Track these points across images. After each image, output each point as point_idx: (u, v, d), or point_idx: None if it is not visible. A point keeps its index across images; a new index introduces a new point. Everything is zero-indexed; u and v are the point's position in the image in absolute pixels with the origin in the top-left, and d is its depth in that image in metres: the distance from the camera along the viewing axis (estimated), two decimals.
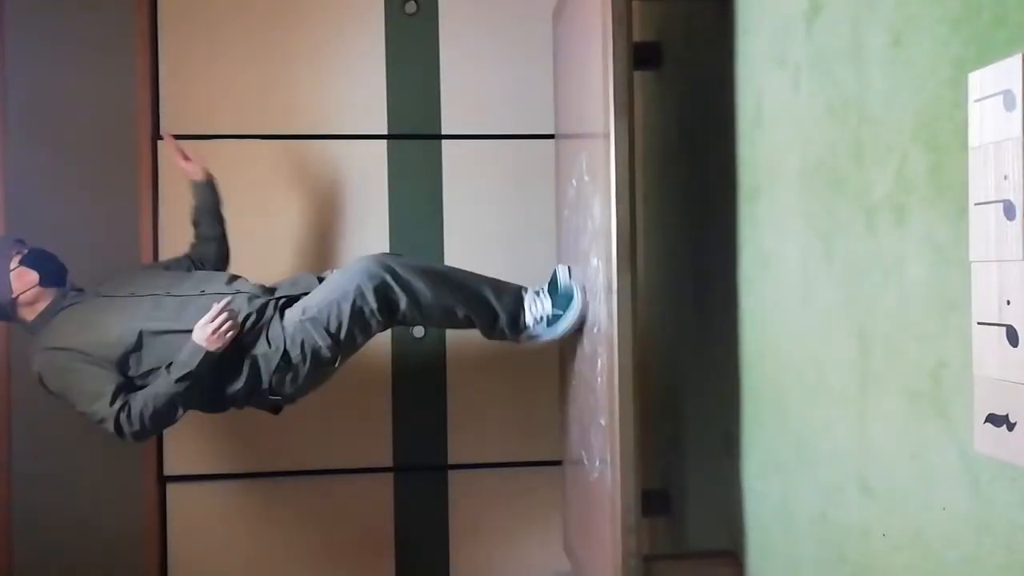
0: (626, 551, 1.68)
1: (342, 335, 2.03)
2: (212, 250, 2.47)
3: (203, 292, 2.14)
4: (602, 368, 1.82)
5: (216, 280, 2.21)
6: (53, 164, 2.72)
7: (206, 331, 1.97)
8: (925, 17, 1.11)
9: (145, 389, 2.02)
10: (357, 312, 2.02)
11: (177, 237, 2.80)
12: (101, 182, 2.74)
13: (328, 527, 2.86)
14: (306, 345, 2.04)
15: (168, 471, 2.77)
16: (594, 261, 1.91)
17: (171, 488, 2.79)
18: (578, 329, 2.12)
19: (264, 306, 2.11)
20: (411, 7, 2.88)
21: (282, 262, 2.82)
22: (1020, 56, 0.90)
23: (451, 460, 2.90)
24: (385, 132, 2.87)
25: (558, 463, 2.72)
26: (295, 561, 2.85)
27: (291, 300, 2.13)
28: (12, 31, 2.71)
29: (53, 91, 2.73)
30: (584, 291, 2.02)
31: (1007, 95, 0.92)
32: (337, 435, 2.83)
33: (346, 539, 2.87)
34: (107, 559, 2.75)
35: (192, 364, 1.98)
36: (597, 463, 1.92)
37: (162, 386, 2.00)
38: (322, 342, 2.03)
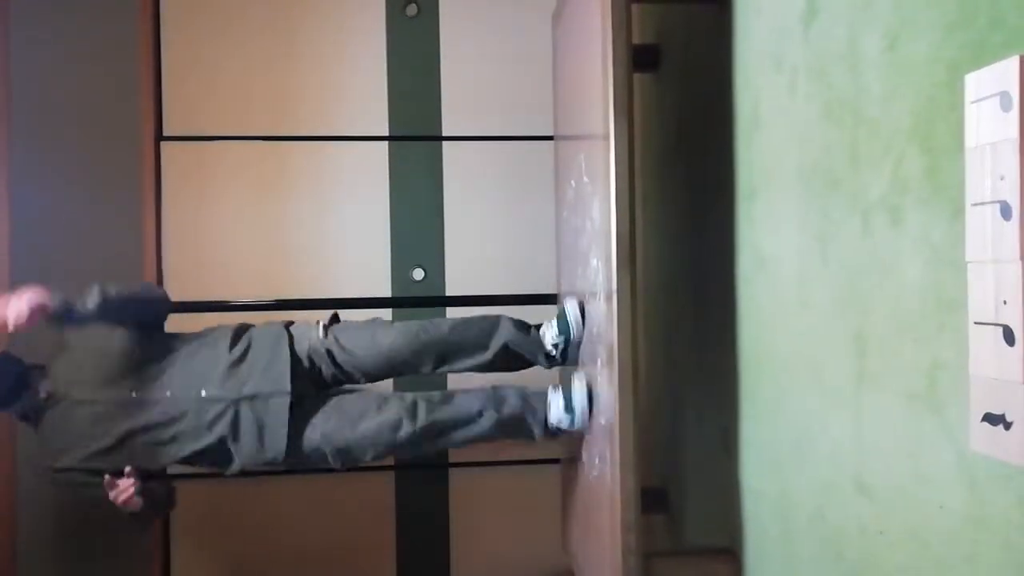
0: (625, 549, 1.68)
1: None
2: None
3: (169, 394, 2.01)
4: (601, 367, 1.83)
5: (183, 375, 2.04)
6: (57, 165, 2.73)
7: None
8: (921, 20, 1.12)
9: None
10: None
11: (179, 237, 2.81)
12: (104, 183, 2.75)
13: (329, 526, 2.87)
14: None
15: (169, 470, 2.77)
16: (594, 262, 1.92)
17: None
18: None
19: (229, 410, 2.01)
20: (412, 9, 2.88)
21: (282, 262, 2.82)
22: (1016, 58, 0.91)
23: (451, 459, 2.91)
24: (386, 133, 2.88)
25: (558, 462, 2.73)
26: (296, 559, 2.85)
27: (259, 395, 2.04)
28: (16, 34, 2.72)
29: (57, 92, 2.74)
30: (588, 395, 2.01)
31: (1003, 96, 0.93)
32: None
33: (347, 538, 2.87)
34: (109, 558, 2.75)
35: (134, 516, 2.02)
36: (597, 461, 1.92)
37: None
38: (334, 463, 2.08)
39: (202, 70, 2.80)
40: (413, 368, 2.14)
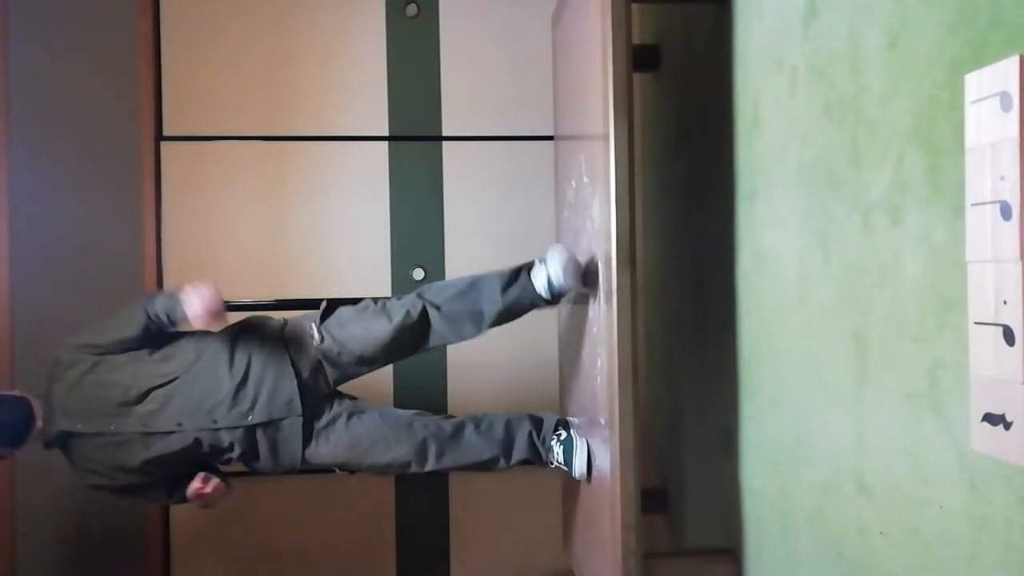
0: (625, 549, 1.68)
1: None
2: None
3: (180, 426, 2.03)
4: (602, 367, 1.83)
5: (189, 405, 2.04)
6: (57, 165, 2.73)
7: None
8: (922, 19, 1.12)
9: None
10: None
11: (179, 237, 2.81)
12: (104, 183, 2.75)
13: (329, 526, 2.87)
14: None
15: None
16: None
17: None
18: (578, 329, 2.13)
19: (242, 432, 2.06)
20: (412, 9, 2.89)
21: (282, 262, 2.82)
22: (1017, 58, 0.91)
23: None
24: (386, 133, 2.88)
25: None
26: (296, 559, 2.85)
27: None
28: (16, 34, 2.72)
29: (57, 92, 2.74)
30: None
31: (1004, 96, 0.92)
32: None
33: (347, 538, 2.87)
34: (110, 558, 2.75)
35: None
36: (597, 461, 1.93)
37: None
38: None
39: (202, 70, 2.80)
40: (412, 351, 2.15)
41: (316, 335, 2.08)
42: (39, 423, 1.99)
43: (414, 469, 2.10)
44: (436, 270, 2.90)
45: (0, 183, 2.67)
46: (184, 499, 2.14)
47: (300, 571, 2.86)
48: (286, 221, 2.84)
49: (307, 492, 2.85)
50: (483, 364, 2.88)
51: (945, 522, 1.09)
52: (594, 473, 1.95)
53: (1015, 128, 0.91)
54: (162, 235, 2.78)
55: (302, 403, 2.05)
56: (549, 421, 2.16)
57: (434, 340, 2.13)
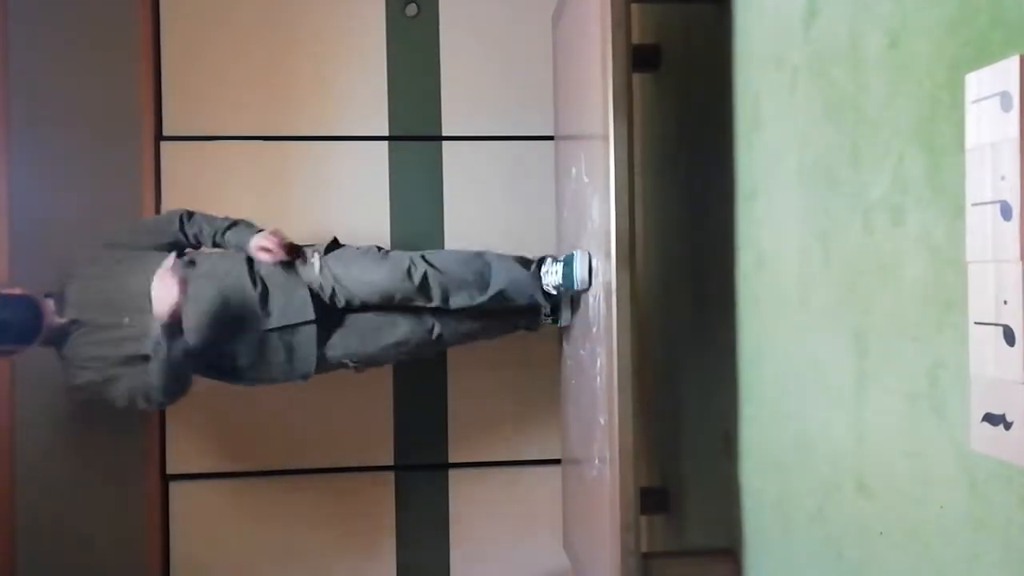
0: (625, 549, 1.68)
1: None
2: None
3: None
4: (602, 367, 1.83)
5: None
6: (57, 165, 2.73)
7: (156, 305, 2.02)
8: (922, 19, 1.12)
9: (149, 370, 2.10)
10: None
11: None
12: (104, 183, 2.75)
13: (329, 525, 2.87)
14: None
15: (171, 470, 2.77)
16: (594, 262, 1.92)
17: (174, 486, 2.80)
18: (578, 329, 2.13)
19: (254, 338, 2.20)
20: (412, 9, 2.88)
21: None
22: (1017, 57, 0.91)
23: (451, 459, 2.91)
24: (386, 133, 2.88)
25: (558, 462, 2.73)
26: (296, 559, 2.85)
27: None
28: (15, 34, 2.72)
29: (56, 92, 2.73)
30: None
31: (1004, 96, 0.92)
32: (338, 434, 2.84)
33: (347, 537, 2.87)
34: (111, 557, 2.75)
35: (159, 336, 2.04)
36: (596, 461, 1.92)
37: (153, 363, 2.08)
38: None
39: (202, 70, 2.80)
40: (405, 305, 2.25)
41: (317, 265, 2.21)
42: (49, 320, 2.08)
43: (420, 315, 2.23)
44: None
45: (0, 183, 2.67)
46: (150, 394, 2.12)
47: (301, 569, 2.85)
48: (286, 221, 2.83)
49: (307, 492, 2.85)
50: (483, 364, 2.88)
51: (945, 522, 1.09)
52: (593, 278, 1.96)
53: (1015, 128, 0.91)
54: None
55: (314, 310, 2.17)
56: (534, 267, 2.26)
57: (430, 297, 2.22)
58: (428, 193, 2.89)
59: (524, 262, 2.25)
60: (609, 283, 1.74)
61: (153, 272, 2.08)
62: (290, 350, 2.19)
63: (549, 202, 2.82)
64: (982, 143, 0.96)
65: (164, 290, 2.00)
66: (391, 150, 2.88)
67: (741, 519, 1.82)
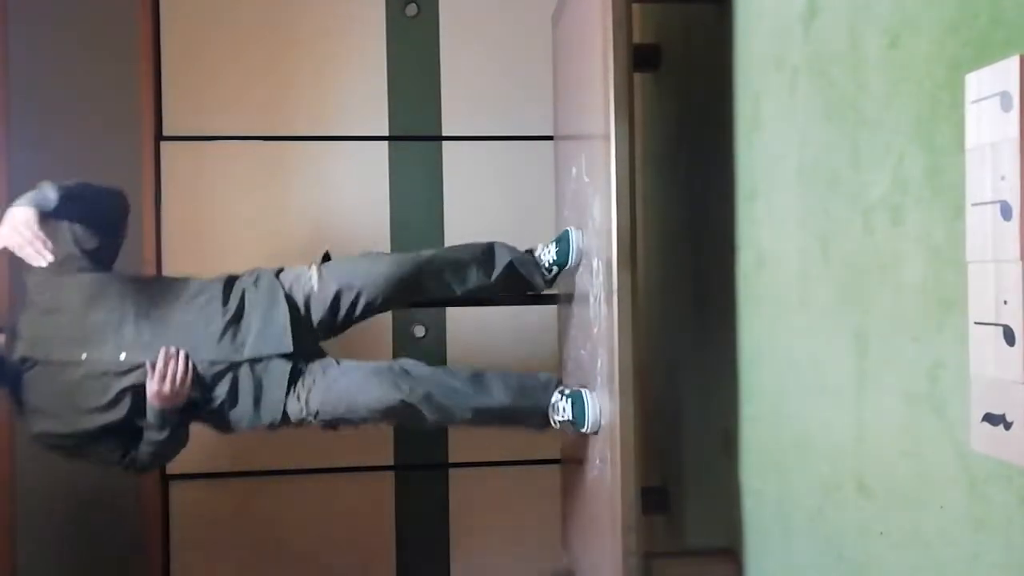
0: (626, 549, 1.68)
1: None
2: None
3: (122, 358, 1.90)
4: (602, 368, 1.83)
5: (178, 338, 1.92)
6: (56, 165, 2.73)
7: (152, 391, 1.85)
8: (922, 19, 1.12)
9: (142, 443, 1.95)
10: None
11: (179, 238, 2.81)
12: (104, 182, 2.74)
13: (329, 525, 2.87)
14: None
15: (171, 470, 2.77)
16: (594, 262, 1.92)
17: (174, 486, 2.80)
18: (579, 329, 2.13)
19: (228, 372, 1.94)
20: (412, 9, 2.88)
21: (282, 263, 2.82)
22: (1017, 57, 0.90)
23: (451, 459, 2.91)
24: (386, 133, 2.88)
25: (558, 461, 2.73)
26: (296, 559, 2.85)
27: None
28: (15, 34, 2.72)
29: (56, 92, 2.73)
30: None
31: (1004, 96, 0.92)
32: (338, 434, 2.83)
33: (347, 537, 2.87)
34: (110, 557, 2.75)
35: (157, 422, 1.90)
36: (597, 461, 1.92)
37: (149, 441, 1.94)
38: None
39: (202, 70, 2.80)
40: (419, 291, 2.08)
41: (315, 274, 2.03)
42: (6, 356, 1.86)
43: (395, 403, 1.94)
44: None
45: (0, 183, 2.67)
46: (135, 465, 1.97)
47: (300, 571, 2.85)
48: (286, 221, 2.83)
49: (307, 492, 2.85)
50: (483, 364, 2.87)
51: (945, 522, 1.09)
52: (601, 426, 1.88)
53: (1015, 128, 0.91)
54: (162, 235, 2.78)
55: (294, 339, 1.94)
56: (546, 378, 2.07)
57: (437, 287, 2.09)
58: (428, 193, 2.89)
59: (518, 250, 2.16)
60: (610, 283, 1.74)
61: (113, 301, 1.90)
62: (259, 391, 1.95)
63: (549, 202, 2.82)
64: (982, 143, 0.96)
65: (165, 387, 1.84)
66: (391, 150, 2.88)
67: (741, 519, 1.82)
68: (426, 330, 2.87)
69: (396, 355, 2.84)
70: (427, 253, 2.11)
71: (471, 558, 2.92)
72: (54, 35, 2.73)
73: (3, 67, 2.70)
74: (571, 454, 2.35)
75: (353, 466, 2.86)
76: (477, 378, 2.02)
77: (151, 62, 2.77)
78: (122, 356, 1.88)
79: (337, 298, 2.01)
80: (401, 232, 2.88)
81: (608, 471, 1.78)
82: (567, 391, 2.00)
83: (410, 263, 2.06)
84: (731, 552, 1.86)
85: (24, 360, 1.87)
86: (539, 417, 2.02)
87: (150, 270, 2.75)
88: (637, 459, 1.69)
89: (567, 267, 2.11)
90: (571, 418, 1.94)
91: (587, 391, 1.96)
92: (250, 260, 2.78)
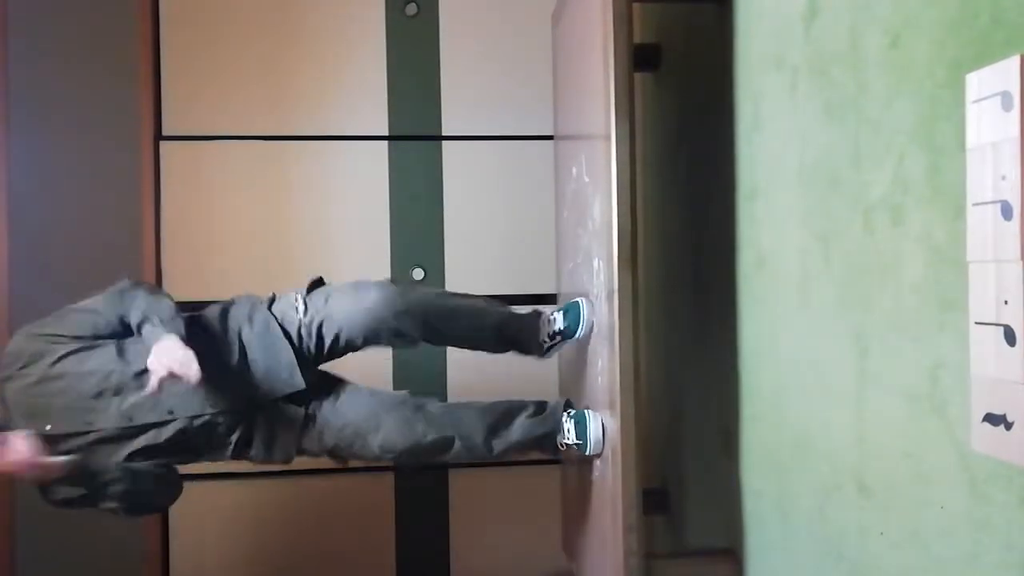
0: (627, 549, 1.68)
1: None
2: None
3: (171, 414, 1.86)
4: (602, 367, 1.83)
5: (182, 393, 1.85)
6: (56, 165, 2.73)
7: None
8: (923, 18, 1.12)
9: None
10: None
11: (178, 238, 2.80)
12: (104, 182, 2.75)
13: (329, 526, 2.86)
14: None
15: None
16: (595, 262, 1.92)
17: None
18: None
19: (240, 418, 1.91)
20: (411, 9, 2.88)
21: (282, 263, 2.82)
22: (1018, 57, 0.90)
23: None
24: (386, 133, 2.88)
25: (558, 462, 2.73)
26: (296, 560, 2.85)
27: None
28: (15, 33, 2.72)
29: (56, 93, 2.73)
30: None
31: (1005, 96, 0.92)
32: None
33: (347, 538, 2.87)
34: (110, 557, 2.75)
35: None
36: (597, 462, 1.92)
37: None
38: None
39: (202, 70, 2.80)
40: (401, 334, 1.98)
41: (301, 309, 1.96)
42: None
43: (405, 448, 1.94)
44: (436, 270, 2.89)
45: (0, 183, 2.67)
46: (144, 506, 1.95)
47: (299, 571, 2.85)
48: (286, 221, 2.83)
49: (307, 492, 2.85)
50: (483, 363, 2.87)
51: (946, 522, 1.09)
52: (605, 448, 1.88)
53: (1016, 128, 0.91)
54: (161, 235, 2.78)
55: (302, 374, 1.91)
56: (554, 403, 2.07)
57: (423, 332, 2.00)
58: (428, 193, 2.89)
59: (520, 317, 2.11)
60: (610, 283, 1.74)
61: (105, 363, 1.83)
62: (272, 435, 1.93)
63: (549, 202, 2.82)
64: (983, 143, 0.96)
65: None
66: (391, 150, 2.88)
67: (741, 519, 1.81)
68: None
69: (394, 359, 2.84)
70: (421, 294, 2.02)
71: (471, 558, 2.92)
72: (54, 35, 2.73)
73: (3, 67, 2.70)
74: (571, 455, 2.35)
75: (353, 466, 2.85)
76: (492, 410, 2.03)
77: (151, 62, 2.77)
78: (130, 420, 1.84)
79: (322, 331, 1.95)
80: (401, 232, 2.88)
81: (609, 471, 1.77)
82: (573, 412, 2.00)
83: (394, 307, 1.94)
84: (731, 552, 1.86)
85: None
86: (551, 444, 2.03)
87: (149, 270, 2.75)
88: (637, 460, 1.69)
89: (575, 338, 2.02)
90: (575, 440, 1.95)
91: (591, 412, 1.96)
92: (250, 260, 2.79)
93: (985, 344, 0.97)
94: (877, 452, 1.26)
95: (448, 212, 2.89)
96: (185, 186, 2.79)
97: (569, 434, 1.96)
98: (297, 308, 1.96)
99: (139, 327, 1.84)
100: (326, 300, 1.97)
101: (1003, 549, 0.98)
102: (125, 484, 1.85)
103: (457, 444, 1.98)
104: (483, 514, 2.92)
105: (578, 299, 2.05)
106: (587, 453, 1.93)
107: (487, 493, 2.91)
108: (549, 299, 2.83)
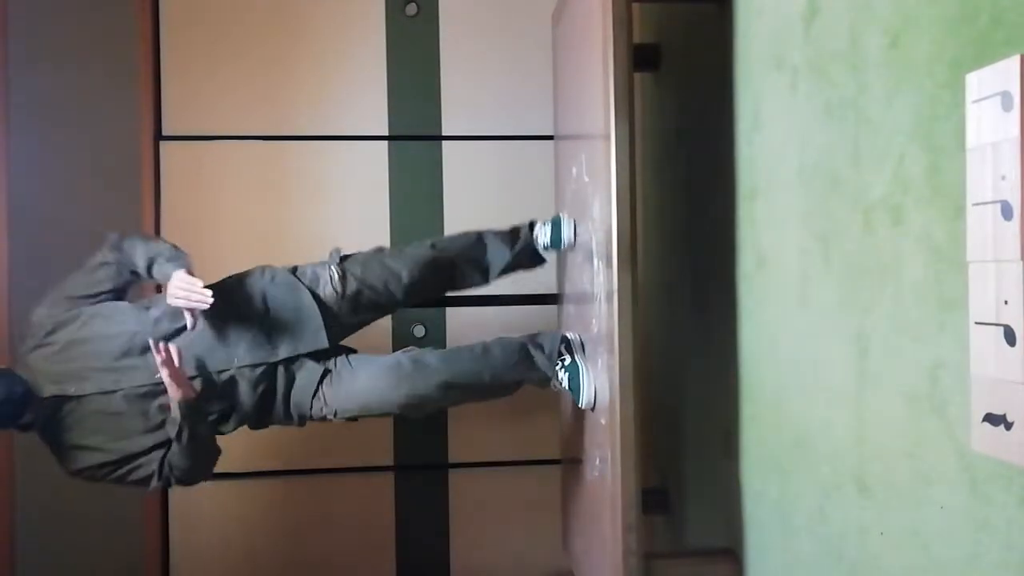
0: (626, 549, 1.68)
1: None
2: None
3: (199, 370, 1.91)
4: (602, 367, 1.83)
5: (208, 348, 1.93)
6: (56, 165, 2.73)
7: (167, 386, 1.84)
8: (923, 18, 1.12)
9: (171, 451, 1.90)
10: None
11: (179, 238, 2.80)
12: (104, 182, 2.75)
13: (329, 525, 2.87)
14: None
15: None
16: (595, 262, 1.92)
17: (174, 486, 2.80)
18: (579, 329, 2.13)
19: (264, 374, 1.96)
20: (412, 9, 2.88)
21: (282, 263, 2.82)
22: (1018, 57, 0.90)
23: (451, 459, 2.91)
24: (386, 133, 2.88)
25: (557, 462, 2.73)
26: (296, 559, 2.85)
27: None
28: (15, 34, 2.72)
29: (56, 93, 2.73)
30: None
31: (1005, 96, 0.92)
32: (338, 434, 2.83)
33: (347, 537, 2.87)
34: (110, 556, 2.75)
35: (177, 418, 1.86)
36: (597, 462, 1.92)
37: (176, 446, 1.89)
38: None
39: (202, 70, 2.80)
40: (434, 291, 2.20)
41: (336, 274, 2.04)
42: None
43: (414, 400, 1.99)
44: None
45: (0, 183, 2.67)
46: (173, 473, 1.92)
47: (300, 571, 2.85)
48: (286, 221, 2.83)
49: (307, 492, 2.85)
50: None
51: (946, 522, 1.09)
52: (597, 403, 1.91)
53: (1016, 128, 0.91)
54: (161, 235, 2.78)
55: (327, 333, 1.99)
56: (552, 342, 2.09)
57: (450, 285, 2.19)
58: (428, 193, 2.89)
59: (515, 232, 2.25)
60: (610, 283, 1.74)
61: (130, 324, 1.88)
62: (290, 385, 1.98)
63: (549, 202, 2.82)
64: (983, 143, 0.96)
65: (170, 371, 1.79)
66: (391, 150, 2.88)
67: (741, 519, 1.81)
68: (426, 330, 2.87)
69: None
70: (434, 246, 2.16)
71: (471, 558, 2.92)
72: (54, 35, 2.73)
73: (3, 67, 2.70)
74: (571, 454, 2.35)
75: (353, 466, 2.86)
76: (485, 349, 2.09)
77: (151, 62, 2.77)
78: (156, 376, 1.86)
79: (357, 297, 2.05)
80: (401, 232, 2.88)
81: (608, 471, 1.77)
82: (567, 361, 2.04)
83: (428, 260, 2.11)
84: (731, 552, 1.86)
85: (56, 398, 1.84)
86: (542, 377, 2.10)
87: None
88: (637, 459, 1.69)
89: (560, 250, 2.22)
90: (568, 389, 2.03)
91: (584, 366, 2.00)
92: (250, 260, 2.78)
93: (985, 344, 0.96)
94: (877, 452, 1.26)
95: (448, 212, 2.89)
96: (185, 186, 2.79)
97: (562, 380, 2.03)
98: (331, 276, 2.04)
99: (148, 269, 1.90)
100: (362, 266, 2.07)
101: (1003, 549, 0.98)
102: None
103: (457, 385, 2.02)
104: (483, 514, 2.92)
105: (561, 218, 2.23)
106: (580, 405, 1.99)
107: (487, 493, 2.91)
108: (549, 299, 2.84)
